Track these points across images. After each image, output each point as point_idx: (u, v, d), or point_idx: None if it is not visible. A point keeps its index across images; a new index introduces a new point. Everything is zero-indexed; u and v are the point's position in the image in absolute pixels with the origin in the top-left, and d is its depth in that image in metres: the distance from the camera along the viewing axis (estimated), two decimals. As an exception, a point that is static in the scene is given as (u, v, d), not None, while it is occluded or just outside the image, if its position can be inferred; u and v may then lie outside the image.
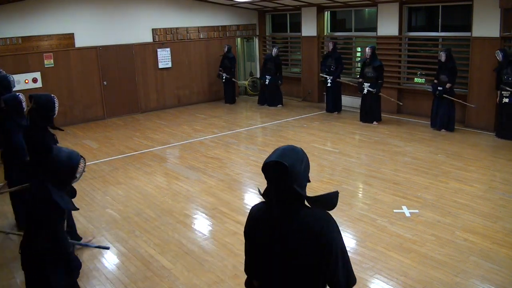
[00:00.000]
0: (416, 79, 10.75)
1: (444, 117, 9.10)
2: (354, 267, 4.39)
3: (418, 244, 4.76)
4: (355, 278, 2.17)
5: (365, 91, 9.92)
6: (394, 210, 5.60)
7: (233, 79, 12.88)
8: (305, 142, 8.76)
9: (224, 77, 12.76)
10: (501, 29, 8.63)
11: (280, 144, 8.68)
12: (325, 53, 11.60)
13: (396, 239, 4.88)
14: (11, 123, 5.13)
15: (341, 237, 2.14)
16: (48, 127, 4.56)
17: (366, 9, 12.00)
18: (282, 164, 2.03)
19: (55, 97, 4.66)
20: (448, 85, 8.83)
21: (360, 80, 10.07)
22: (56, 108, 4.62)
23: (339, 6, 11.89)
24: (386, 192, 6.19)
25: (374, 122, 10.01)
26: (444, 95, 8.92)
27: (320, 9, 12.30)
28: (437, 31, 10.11)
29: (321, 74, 11.23)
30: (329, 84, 10.96)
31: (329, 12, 12.54)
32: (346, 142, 8.71)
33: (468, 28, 9.34)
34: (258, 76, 14.53)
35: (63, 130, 4.96)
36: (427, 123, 9.54)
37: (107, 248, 4.25)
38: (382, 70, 9.85)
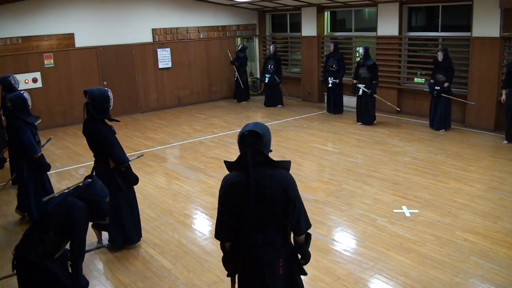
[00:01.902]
0: (416, 79, 10.73)
1: (441, 116, 9.08)
2: (354, 267, 4.45)
3: (418, 244, 4.76)
4: (310, 223, 2.78)
5: (361, 92, 9.80)
6: (394, 210, 5.60)
7: (237, 77, 12.84)
8: (305, 142, 8.76)
9: (235, 76, 12.83)
10: (501, 29, 8.63)
11: (280, 144, 8.69)
12: (326, 54, 11.55)
13: (396, 239, 4.88)
14: (18, 121, 5.24)
15: (298, 191, 2.70)
16: (105, 119, 4.70)
17: (366, 9, 12.00)
18: (257, 132, 2.63)
19: (109, 90, 4.77)
20: (446, 84, 8.82)
21: (355, 81, 9.99)
22: (111, 101, 4.75)
23: (339, 6, 11.89)
24: (386, 192, 6.18)
25: (366, 124, 9.89)
26: (442, 94, 8.89)
27: (320, 9, 12.30)
28: (437, 31, 10.11)
29: (324, 81, 11.11)
30: (330, 85, 10.93)
31: (329, 12, 12.54)
32: (346, 142, 8.71)
33: (468, 28, 9.34)
34: (258, 76, 14.55)
35: (119, 122, 5.05)
36: (427, 123, 9.53)
37: (105, 246, 4.54)
38: (376, 69, 9.77)
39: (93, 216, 3.49)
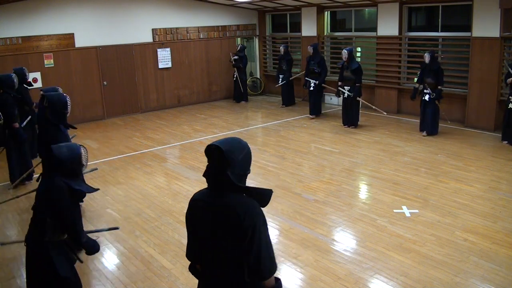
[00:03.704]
0: (416, 79, 10.71)
1: (428, 121, 8.79)
2: (354, 267, 4.44)
3: (418, 244, 4.76)
4: (277, 265, 2.28)
5: (346, 94, 9.61)
6: (394, 210, 5.60)
7: (236, 77, 12.85)
8: (305, 142, 8.76)
9: (234, 76, 12.85)
10: (501, 29, 8.63)
11: (280, 144, 8.69)
12: (306, 57, 11.23)
13: (396, 239, 4.88)
14: (6, 95, 5.97)
15: (266, 228, 2.24)
16: (61, 125, 4.66)
17: (366, 9, 12.00)
18: (219, 149, 2.18)
19: (67, 96, 4.75)
20: (439, 87, 8.55)
21: (340, 83, 9.81)
22: (69, 107, 4.71)
23: (339, 6, 11.89)
24: (386, 192, 6.18)
25: (351, 126, 9.73)
26: (436, 101, 8.61)
27: (320, 9, 12.30)
28: (437, 31, 10.11)
29: (306, 78, 10.92)
30: (311, 88, 10.71)
31: (329, 12, 12.54)
32: (346, 142, 8.70)
33: (468, 28, 9.34)
34: (258, 76, 14.56)
35: (76, 128, 5.03)
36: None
37: (117, 228, 4.41)
38: (361, 72, 9.58)
39: (72, 174, 3.26)
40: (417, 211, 5.56)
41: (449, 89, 9.93)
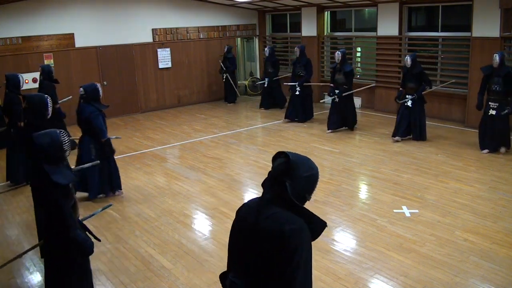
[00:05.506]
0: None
1: (416, 127, 8.46)
2: (354, 267, 4.44)
3: (418, 244, 4.76)
4: None
5: (336, 99, 9.29)
6: (394, 210, 5.60)
7: (227, 78, 12.72)
8: (305, 142, 8.76)
9: (224, 77, 12.78)
10: (501, 29, 8.63)
11: (280, 144, 8.68)
12: (292, 60, 10.93)
13: (396, 239, 4.88)
14: (91, 108, 5.85)
15: (310, 261, 2.03)
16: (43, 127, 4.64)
17: (366, 9, 12.00)
18: (287, 156, 2.06)
19: (48, 97, 4.71)
20: (428, 88, 8.35)
21: (332, 85, 9.52)
22: (50, 108, 4.66)
23: (339, 6, 11.90)
24: (386, 192, 6.18)
25: (344, 127, 9.53)
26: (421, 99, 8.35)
27: (320, 9, 12.30)
28: (437, 31, 10.11)
29: (285, 83, 10.64)
30: (297, 93, 10.21)
31: (329, 12, 12.54)
32: (346, 142, 8.71)
33: (468, 28, 9.34)
34: (258, 76, 14.55)
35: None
36: (427, 123, 9.43)
37: (111, 205, 4.35)
38: (352, 75, 9.38)
39: (56, 161, 3.23)
40: (417, 211, 5.56)
41: (449, 89, 9.95)
